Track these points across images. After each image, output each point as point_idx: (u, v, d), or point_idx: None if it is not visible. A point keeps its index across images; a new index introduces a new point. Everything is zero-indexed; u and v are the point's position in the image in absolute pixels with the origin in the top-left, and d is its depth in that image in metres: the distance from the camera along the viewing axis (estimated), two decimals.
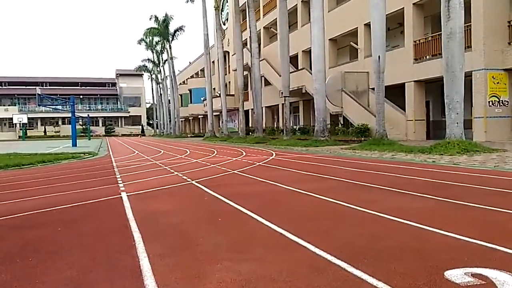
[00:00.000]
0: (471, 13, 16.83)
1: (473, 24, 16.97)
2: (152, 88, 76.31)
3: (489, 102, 16.82)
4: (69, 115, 32.54)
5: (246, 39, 34.20)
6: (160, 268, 2.80)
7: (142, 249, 3.27)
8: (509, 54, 16.67)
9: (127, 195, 6.09)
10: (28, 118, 67.75)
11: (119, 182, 7.78)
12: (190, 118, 65.44)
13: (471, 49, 16.83)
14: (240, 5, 32.81)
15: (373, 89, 18.53)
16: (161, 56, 64.08)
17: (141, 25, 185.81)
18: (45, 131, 75.82)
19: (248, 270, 2.71)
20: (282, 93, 25.45)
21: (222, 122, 37.07)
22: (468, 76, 15.00)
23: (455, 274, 2.51)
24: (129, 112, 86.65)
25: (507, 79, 17.06)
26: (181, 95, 60.05)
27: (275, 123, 37.79)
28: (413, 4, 20.17)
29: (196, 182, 7.50)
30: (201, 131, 58.49)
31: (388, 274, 2.56)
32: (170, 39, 55.16)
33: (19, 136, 65.98)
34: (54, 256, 3.19)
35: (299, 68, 29.96)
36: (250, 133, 33.29)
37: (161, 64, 66.07)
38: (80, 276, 2.71)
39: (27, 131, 67.42)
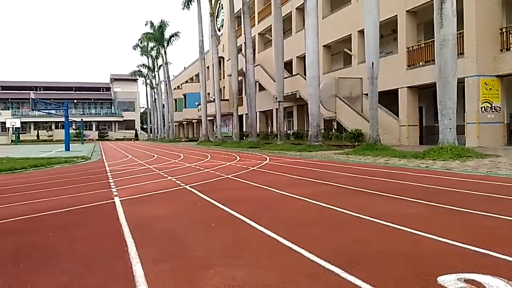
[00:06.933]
0: (464, 21, 17.03)
1: (466, 31, 17.15)
2: (147, 93, 76.30)
3: (481, 108, 17.00)
4: (63, 119, 32.40)
5: (241, 45, 34.33)
6: (153, 274, 2.78)
7: (135, 255, 3.25)
8: (501, 60, 16.87)
9: (120, 200, 6.06)
10: (21, 122, 67.30)
11: (112, 186, 7.73)
12: (184, 122, 65.42)
13: (464, 56, 17.02)
14: (235, 12, 32.93)
15: (366, 94, 18.63)
16: (156, 61, 64.20)
17: (137, 31, 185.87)
18: (38, 135, 75.56)
19: (242, 276, 2.70)
20: (276, 98, 25.51)
21: (216, 126, 37.04)
22: (460, 82, 15.15)
23: (448, 280, 2.51)
24: (123, 116, 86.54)
25: (499, 85, 17.26)
26: (175, 100, 60.06)
27: (269, 128, 37.85)
28: (406, 11, 20.38)
29: (189, 187, 7.48)
30: (195, 136, 58.47)
31: (382, 279, 2.57)
32: (165, 44, 55.37)
33: (11, 140, 65.50)
34: (46, 262, 3.16)
35: (293, 74, 30.08)
36: (244, 138, 33.29)
37: (156, 69, 66.10)
38: (73, 282, 2.69)
39: (20, 135, 67.07)
